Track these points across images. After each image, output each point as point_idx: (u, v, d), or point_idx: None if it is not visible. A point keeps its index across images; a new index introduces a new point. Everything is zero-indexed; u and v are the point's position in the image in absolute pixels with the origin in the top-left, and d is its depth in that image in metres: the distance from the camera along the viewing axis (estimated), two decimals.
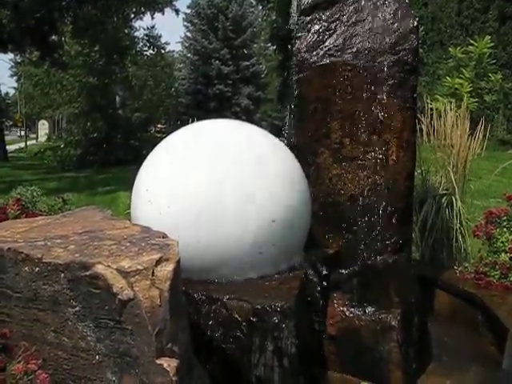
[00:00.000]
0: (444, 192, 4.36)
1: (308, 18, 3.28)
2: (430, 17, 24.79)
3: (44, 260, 2.12)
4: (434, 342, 3.32)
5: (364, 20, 3.21)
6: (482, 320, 3.50)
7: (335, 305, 3.11)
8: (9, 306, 2.24)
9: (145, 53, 26.53)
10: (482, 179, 6.45)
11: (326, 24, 3.25)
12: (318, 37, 3.25)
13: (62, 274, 2.08)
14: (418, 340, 3.17)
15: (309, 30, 3.27)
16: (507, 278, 3.62)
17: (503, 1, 21.12)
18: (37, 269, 2.13)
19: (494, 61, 17.02)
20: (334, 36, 3.23)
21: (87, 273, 2.03)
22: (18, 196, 3.89)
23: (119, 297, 1.98)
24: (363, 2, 3.22)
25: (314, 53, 3.24)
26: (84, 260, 2.06)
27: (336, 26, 3.24)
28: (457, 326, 3.65)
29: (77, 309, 2.09)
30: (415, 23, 3.15)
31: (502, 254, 3.75)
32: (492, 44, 16.61)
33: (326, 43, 3.23)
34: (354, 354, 3.05)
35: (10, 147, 29.17)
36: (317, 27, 3.26)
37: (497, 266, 3.68)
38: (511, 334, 2.99)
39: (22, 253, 2.17)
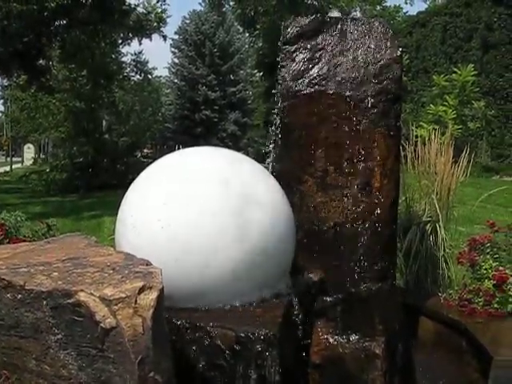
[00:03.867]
0: (428, 219, 4.38)
1: (293, 48, 3.32)
2: (414, 45, 25.19)
3: (26, 287, 2.11)
4: (419, 370, 3.31)
5: (348, 49, 3.26)
6: (466, 347, 3.49)
7: (319, 332, 3.10)
8: None
9: (132, 78, 26.55)
10: (466, 205, 6.49)
11: (310, 53, 3.29)
12: (303, 66, 3.29)
13: (45, 302, 2.07)
14: (403, 368, 3.16)
15: (293, 59, 3.31)
16: (491, 304, 3.62)
17: (486, 30, 21.52)
18: (19, 296, 2.12)
19: (477, 88, 17.33)
20: (319, 65, 3.27)
21: (70, 300, 2.02)
22: (2, 221, 3.85)
23: (102, 325, 1.97)
24: (348, 32, 3.28)
25: (299, 81, 3.28)
26: (67, 288, 2.05)
27: (321, 55, 3.28)
28: (441, 353, 3.64)
29: (59, 336, 2.07)
30: (399, 53, 3.20)
31: (486, 281, 3.76)
32: (475, 72, 16.94)
33: (311, 72, 3.27)
34: (338, 382, 3.04)
35: None
36: (302, 56, 3.30)
37: (481, 293, 3.69)
38: (495, 361, 3.00)
39: (5, 279, 2.15)
